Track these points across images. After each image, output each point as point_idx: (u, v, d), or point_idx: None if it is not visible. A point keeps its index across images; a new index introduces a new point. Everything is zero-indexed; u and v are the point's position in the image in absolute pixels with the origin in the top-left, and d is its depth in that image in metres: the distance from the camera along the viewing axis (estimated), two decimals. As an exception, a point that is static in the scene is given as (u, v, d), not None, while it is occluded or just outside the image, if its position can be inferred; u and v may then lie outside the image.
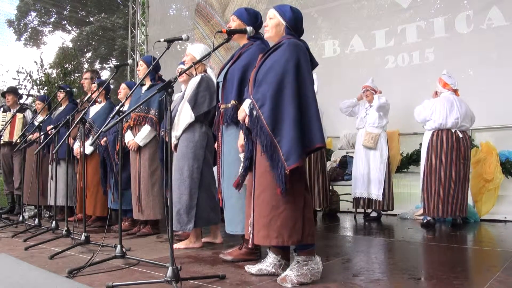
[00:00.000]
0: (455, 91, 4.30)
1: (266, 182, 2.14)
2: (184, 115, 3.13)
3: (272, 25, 2.36)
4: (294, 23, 2.35)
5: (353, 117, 5.14)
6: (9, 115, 5.65)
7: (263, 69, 2.21)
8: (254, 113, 2.16)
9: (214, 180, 3.22)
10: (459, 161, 4.12)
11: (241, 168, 2.37)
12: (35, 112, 5.64)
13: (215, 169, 3.11)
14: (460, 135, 4.17)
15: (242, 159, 2.38)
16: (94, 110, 4.56)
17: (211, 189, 3.19)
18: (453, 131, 4.16)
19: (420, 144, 4.68)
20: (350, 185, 5.22)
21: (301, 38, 2.37)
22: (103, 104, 4.54)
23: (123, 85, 4.36)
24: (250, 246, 2.28)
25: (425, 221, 4.27)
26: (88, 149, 4.38)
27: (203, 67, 3.34)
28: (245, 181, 2.35)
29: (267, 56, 2.27)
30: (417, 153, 5.05)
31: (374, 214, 4.85)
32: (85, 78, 5.11)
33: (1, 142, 5.60)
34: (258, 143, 2.21)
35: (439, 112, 4.16)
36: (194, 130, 3.15)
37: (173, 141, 3.18)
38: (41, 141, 4.81)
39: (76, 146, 4.60)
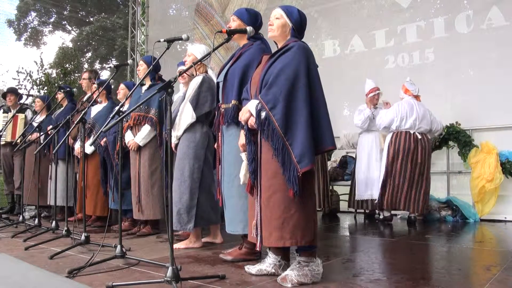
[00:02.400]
0: (417, 97, 4.53)
1: (277, 184, 2.13)
2: (185, 115, 3.13)
3: (278, 25, 2.34)
4: (300, 26, 2.36)
5: (352, 117, 5.11)
6: (9, 115, 5.66)
7: (273, 71, 2.19)
8: (263, 114, 2.14)
9: (214, 180, 3.22)
10: (415, 161, 4.32)
11: (243, 169, 2.36)
12: (35, 112, 5.65)
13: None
14: (419, 137, 4.37)
15: (243, 159, 2.37)
16: (95, 110, 4.56)
17: (211, 190, 3.19)
18: (411, 132, 4.37)
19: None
20: (350, 185, 5.21)
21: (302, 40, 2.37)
22: (104, 104, 4.54)
23: (121, 86, 4.37)
24: (258, 249, 2.28)
25: (381, 217, 4.64)
26: (89, 149, 4.38)
27: (204, 68, 3.34)
28: (247, 181, 2.34)
29: (275, 58, 2.25)
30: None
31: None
32: (83, 78, 5.12)
33: (3, 143, 5.61)
34: (263, 144, 2.21)
35: (400, 114, 4.40)
36: (195, 130, 3.15)
37: (174, 141, 3.19)
38: (41, 141, 4.81)
39: (77, 146, 4.60)
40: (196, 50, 3.30)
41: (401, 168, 4.34)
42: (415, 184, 4.33)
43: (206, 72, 3.32)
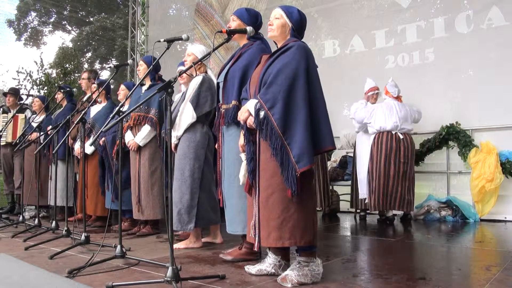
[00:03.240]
0: (398, 98, 4.61)
1: (275, 184, 2.13)
2: (186, 115, 3.13)
3: (278, 25, 2.34)
4: (300, 26, 2.35)
5: (353, 117, 5.12)
6: (9, 115, 5.66)
7: (272, 71, 2.19)
8: (262, 114, 2.14)
9: (214, 180, 3.22)
10: (398, 160, 4.41)
11: (243, 169, 2.36)
12: (34, 113, 5.65)
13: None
14: (401, 137, 4.46)
15: (243, 159, 2.37)
16: (95, 110, 4.56)
17: (212, 189, 3.19)
18: (393, 133, 4.45)
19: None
20: (350, 185, 5.21)
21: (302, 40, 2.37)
22: (104, 104, 4.54)
23: (122, 86, 4.36)
24: (256, 249, 2.28)
25: (383, 217, 4.63)
26: (89, 149, 4.38)
27: (204, 68, 3.34)
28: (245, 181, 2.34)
29: (275, 58, 2.25)
30: (418, 153, 5.04)
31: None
32: (83, 79, 5.11)
33: (4, 143, 5.61)
34: (261, 144, 2.20)
35: (379, 117, 4.50)
36: (196, 130, 3.15)
37: (174, 141, 3.19)
38: (41, 141, 4.81)
39: (77, 146, 4.60)
40: (196, 49, 3.30)
41: (385, 168, 4.39)
42: (400, 183, 4.40)
43: (206, 72, 3.32)
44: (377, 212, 4.87)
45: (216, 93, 2.89)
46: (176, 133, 3.16)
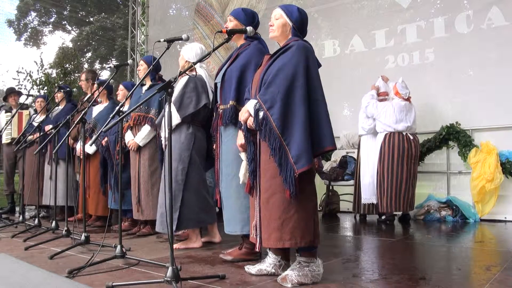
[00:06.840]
0: (408, 99, 4.62)
1: (276, 185, 2.12)
2: None
3: (279, 25, 2.33)
4: (301, 24, 2.34)
5: (352, 117, 5.12)
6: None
7: (272, 71, 2.19)
8: (261, 114, 2.13)
9: (204, 180, 3.20)
10: (410, 161, 4.45)
11: (243, 168, 2.36)
12: (36, 112, 5.66)
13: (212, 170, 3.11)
14: (411, 137, 4.50)
15: (243, 158, 2.37)
16: (97, 110, 4.56)
17: (201, 190, 3.13)
18: (404, 134, 4.49)
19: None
20: (350, 185, 5.20)
21: (304, 39, 2.37)
22: (105, 104, 4.54)
23: (121, 86, 4.35)
24: (257, 250, 2.28)
25: (383, 217, 4.65)
26: (91, 149, 4.38)
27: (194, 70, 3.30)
28: (247, 181, 2.34)
29: (275, 57, 2.25)
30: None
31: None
32: (82, 80, 5.09)
33: (9, 140, 5.64)
34: (262, 145, 2.20)
35: (389, 117, 4.51)
36: (180, 132, 3.12)
37: (163, 142, 3.18)
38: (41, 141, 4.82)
39: (79, 147, 4.60)
40: (185, 51, 3.29)
41: (398, 169, 4.39)
42: (411, 183, 4.43)
43: (196, 71, 3.27)
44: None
45: (214, 93, 2.88)
46: (163, 134, 3.15)
